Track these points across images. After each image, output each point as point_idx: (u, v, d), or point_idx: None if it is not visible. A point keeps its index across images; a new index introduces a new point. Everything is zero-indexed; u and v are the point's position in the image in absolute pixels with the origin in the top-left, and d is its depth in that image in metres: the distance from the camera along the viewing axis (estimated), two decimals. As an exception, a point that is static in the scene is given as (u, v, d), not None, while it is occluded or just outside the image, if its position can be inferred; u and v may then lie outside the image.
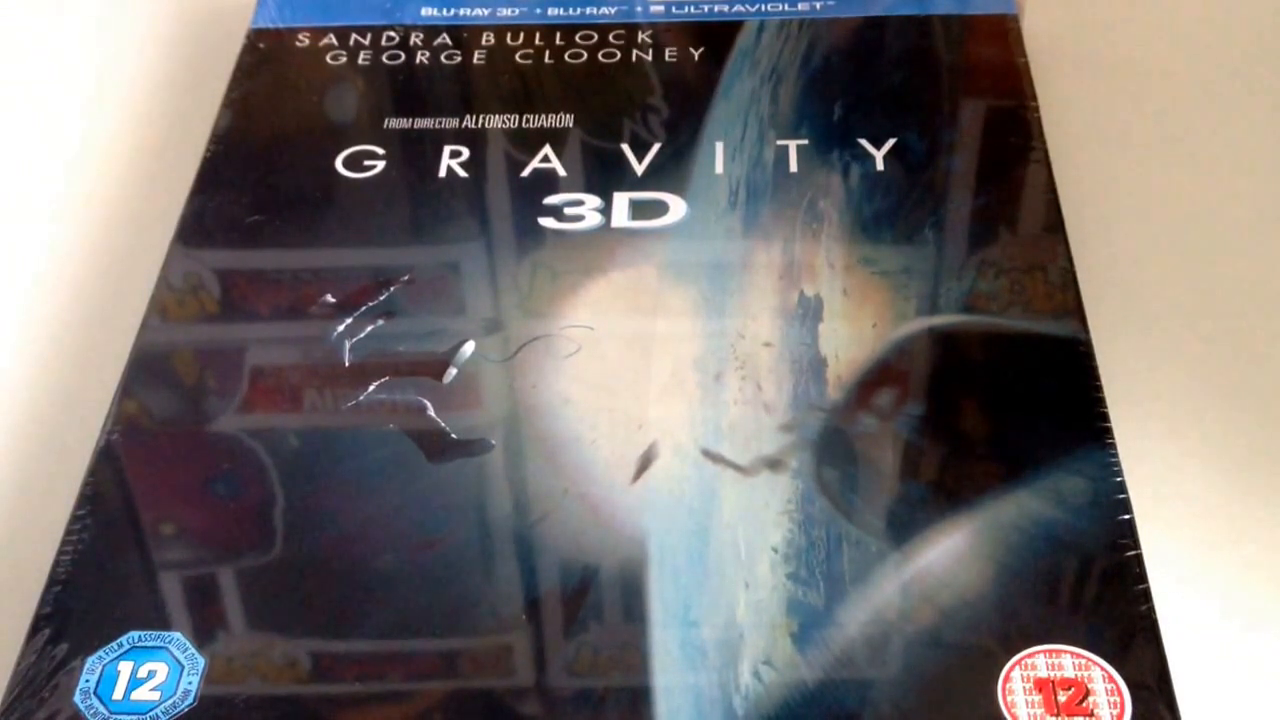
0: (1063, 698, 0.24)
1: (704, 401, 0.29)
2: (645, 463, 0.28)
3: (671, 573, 0.26)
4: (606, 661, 0.25)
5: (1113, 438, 0.28)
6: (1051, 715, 0.24)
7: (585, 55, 0.37)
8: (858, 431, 0.29)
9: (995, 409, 0.29)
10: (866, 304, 0.31)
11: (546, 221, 0.33)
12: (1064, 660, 0.25)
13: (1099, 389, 0.29)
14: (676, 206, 0.33)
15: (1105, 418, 0.28)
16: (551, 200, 0.33)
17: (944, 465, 0.28)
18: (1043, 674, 0.24)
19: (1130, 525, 0.27)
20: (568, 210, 0.33)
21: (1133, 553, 0.26)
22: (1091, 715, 0.24)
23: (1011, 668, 0.25)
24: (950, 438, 0.28)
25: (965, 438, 0.28)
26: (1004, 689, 0.24)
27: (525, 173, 0.34)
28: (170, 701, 0.25)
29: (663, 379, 0.30)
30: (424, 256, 0.32)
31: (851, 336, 0.30)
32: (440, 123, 0.35)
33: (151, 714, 0.25)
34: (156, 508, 0.28)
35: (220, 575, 0.27)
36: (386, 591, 0.26)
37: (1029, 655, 0.25)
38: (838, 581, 0.26)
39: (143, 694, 0.25)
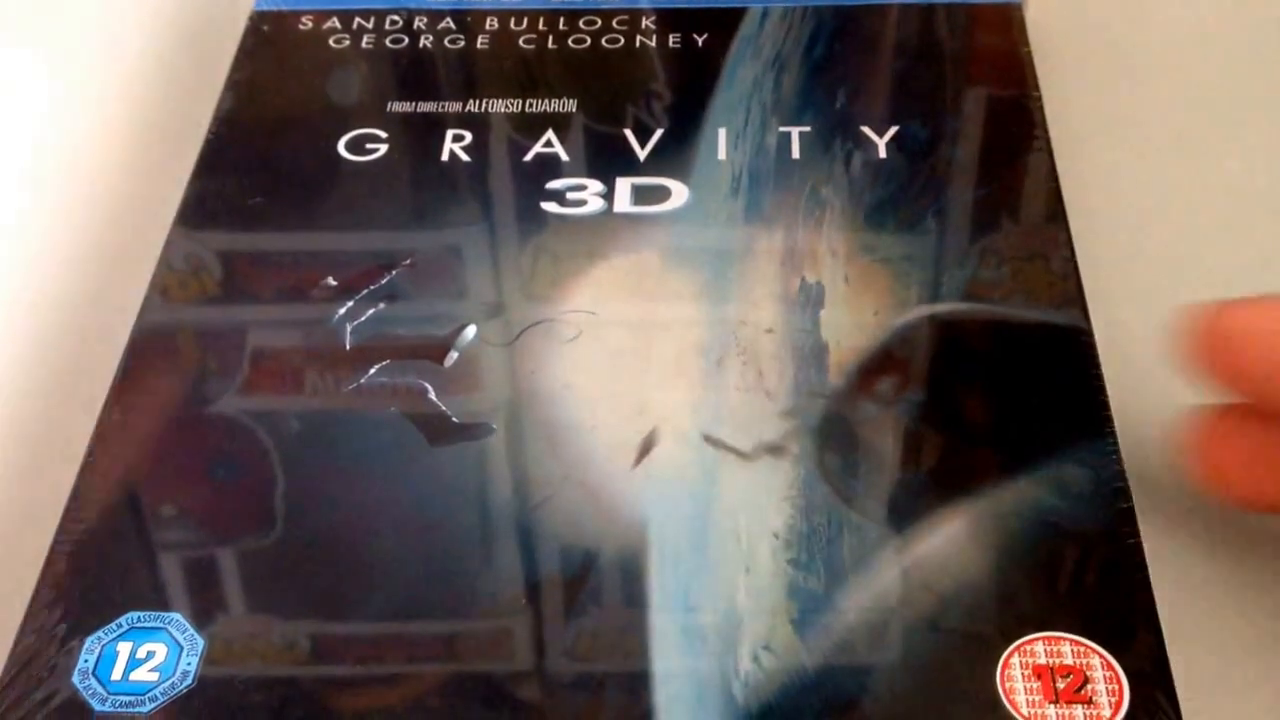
0: (1061, 685, 0.24)
1: (705, 387, 0.29)
2: (646, 448, 0.28)
3: (672, 558, 0.26)
4: (606, 646, 0.25)
5: (1113, 426, 0.28)
6: (1050, 702, 0.24)
7: (589, 40, 0.37)
8: (859, 418, 0.29)
9: (996, 397, 0.29)
10: (868, 291, 0.31)
11: (549, 206, 0.33)
12: (1063, 647, 0.25)
13: (1099, 377, 0.29)
14: (679, 192, 0.33)
15: (1105, 406, 0.28)
16: (554, 185, 0.33)
17: (944, 452, 0.28)
18: (1042, 661, 0.24)
19: (1130, 513, 0.27)
20: (570, 195, 0.33)
21: (1132, 540, 0.26)
22: (1090, 702, 0.24)
23: (1010, 654, 0.25)
24: (951, 425, 0.28)
25: (966, 425, 0.28)
26: (1003, 675, 0.24)
27: (528, 157, 0.34)
28: (169, 682, 0.25)
29: (664, 364, 0.30)
30: (426, 240, 0.32)
31: (853, 323, 0.30)
32: (443, 106, 0.35)
33: (150, 694, 0.25)
34: (156, 489, 0.28)
35: (220, 557, 0.27)
36: (386, 575, 0.26)
37: (1028, 642, 0.25)
38: (838, 567, 0.26)
39: (141, 674, 0.25)
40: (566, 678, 0.25)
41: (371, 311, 0.31)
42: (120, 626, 0.26)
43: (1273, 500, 0.27)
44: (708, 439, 0.28)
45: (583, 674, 0.25)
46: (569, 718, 0.25)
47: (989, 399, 0.29)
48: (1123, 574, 0.26)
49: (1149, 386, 0.30)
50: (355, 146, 0.34)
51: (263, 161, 0.34)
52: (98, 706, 0.25)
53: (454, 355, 0.30)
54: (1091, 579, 0.26)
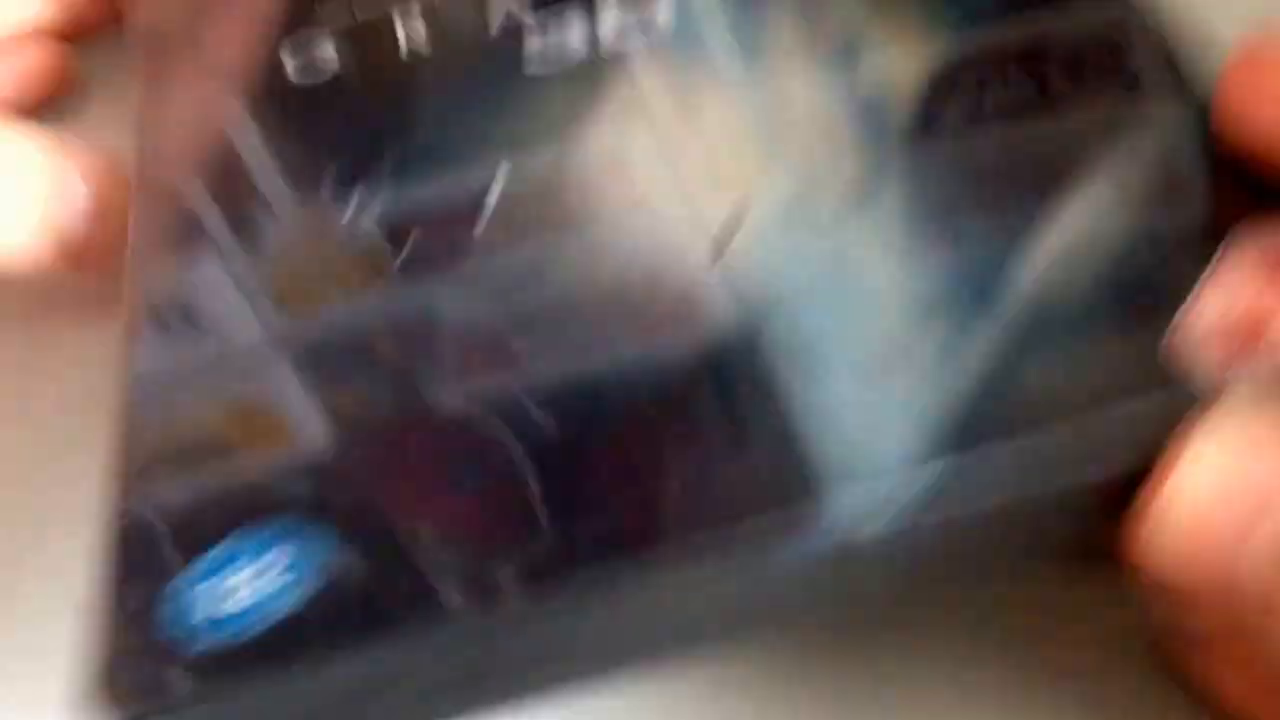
0: None
1: (772, 165, 0.27)
2: (723, 242, 0.25)
3: (800, 328, 0.24)
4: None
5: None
6: None
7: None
8: (938, 152, 0.26)
9: (1066, 96, 0.26)
10: (903, 28, 0.28)
11: (535, 70, 0.30)
12: None
13: None
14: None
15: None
16: (531, 47, 0.30)
17: (1040, 154, 0.26)
18: None
19: None
20: (553, 54, 0.30)
21: None
22: None
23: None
24: (1034, 118, 0.26)
25: (1048, 111, 0.26)
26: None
27: (493, 33, 0.31)
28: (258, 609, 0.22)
29: (720, 158, 0.27)
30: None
31: (898, 62, 0.28)
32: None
33: (241, 625, 0.22)
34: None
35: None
36: None
37: None
38: (967, 293, 0.24)
39: (230, 606, 0.22)
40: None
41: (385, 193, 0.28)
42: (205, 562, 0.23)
43: None
44: (786, 216, 0.25)
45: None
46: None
47: (1061, 97, 0.26)
48: None
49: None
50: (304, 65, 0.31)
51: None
52: (191, 650, 0.22)
53: (491, 202, 0.27)
54: None
